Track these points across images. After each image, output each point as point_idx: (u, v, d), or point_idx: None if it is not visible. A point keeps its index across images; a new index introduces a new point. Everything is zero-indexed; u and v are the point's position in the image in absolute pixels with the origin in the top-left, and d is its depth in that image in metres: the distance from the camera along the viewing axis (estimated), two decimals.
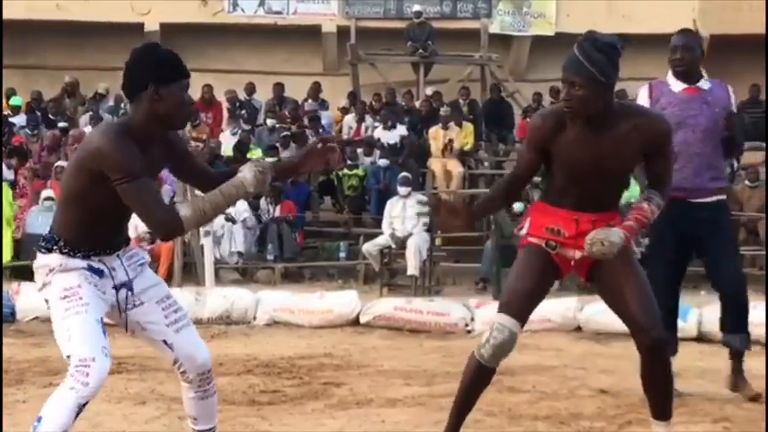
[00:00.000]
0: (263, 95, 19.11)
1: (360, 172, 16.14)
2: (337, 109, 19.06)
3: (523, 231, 4.87)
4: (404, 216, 13.77)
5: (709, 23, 20.47)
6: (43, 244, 4.21)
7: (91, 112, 17.41)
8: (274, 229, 14.57)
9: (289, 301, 10.23)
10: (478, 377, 4.80)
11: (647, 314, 4.67)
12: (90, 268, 4.19)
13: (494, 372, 4.82)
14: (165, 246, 13.44)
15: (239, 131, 17.07)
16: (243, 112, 18.44)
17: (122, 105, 18.00)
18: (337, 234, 15.63)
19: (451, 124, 17.04)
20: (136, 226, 13.72)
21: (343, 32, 20.49)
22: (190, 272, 13.31)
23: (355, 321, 9.95)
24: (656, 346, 4.69)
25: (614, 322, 8.88)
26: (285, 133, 17.03)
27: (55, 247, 4.17)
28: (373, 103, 18.88)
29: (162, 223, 4.10)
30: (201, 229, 11.79)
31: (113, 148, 4.01)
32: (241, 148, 16.28)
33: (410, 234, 13.43)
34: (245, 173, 4.22)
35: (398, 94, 19.30)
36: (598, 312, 9.28)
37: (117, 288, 4.27)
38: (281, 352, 8.35)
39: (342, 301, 10.19)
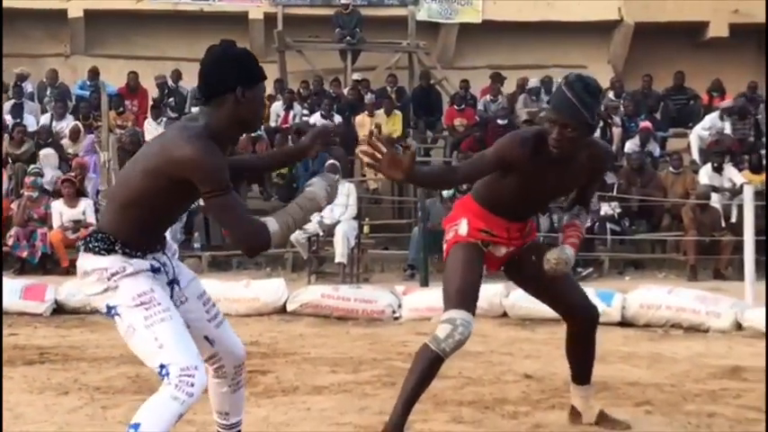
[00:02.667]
0: (191, 82, 18.95)
1: None
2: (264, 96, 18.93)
3: (462, 231, 5.00)
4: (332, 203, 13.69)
5: (634, 11, 20.74)
6: (98, 245, 4.00)
7: (14, 100, 17.14)
8: (200, 217, 14.47)
9: (214, 289, 10.06)
10: (435, 369, 4.92)
11: (582, 297, 5.22)
12: (152, 268, 4.06)
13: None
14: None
15: (164, 120, 16.91)
16: (171, 99, 18.28)
17: (47, 93, 17.81)
18: None
19: (379, 111, 17.04)
20: (61, 213, 13.62)
21: (270, 19, 20.38)
22: None
23: (282, 309, 9.91)
24: (594, 322, 5.24)
25: (540, 308, 9.03)
26: None
27: (116, 248, 3.98)
28: (301, 90, 18.82)
29: (251, 238, 3.95)
30: None
31: (207, 160, 3.84)
32: None
33: (338, 222, 13.40)
34: (317, 189, 4.17)
35: (326, 81, 19.25)
36: (524, 299, 9.32)
37: (170, 284, 4.16)
38: None
39: (268, 289, 10.14)
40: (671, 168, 15.65)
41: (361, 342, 8.41)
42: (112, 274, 3.97)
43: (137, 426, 3.88)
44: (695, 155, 16.92)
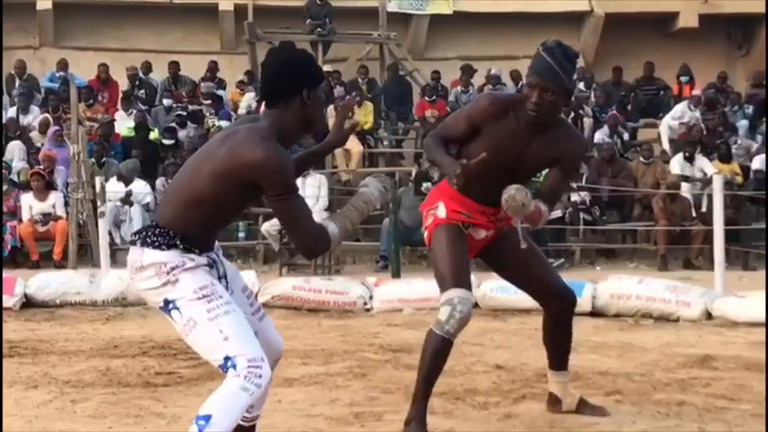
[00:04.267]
0: (161, 75, 18.88)
1: None
2: (235, 86, 18.90)
3: (440, 214, 5.03)
4: (302, 195, 13.66)
5: (604, 2, 20.79)
6: (157, 239, 3.98)
7: None
8: None
9: None
10: (445, 352, 4.96)
11: (558, 281, 5.28)
12: (207, 264, 4.06)
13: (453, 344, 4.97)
14: (59, 227, 13.26)
15: (134, 112, 16.85)
16: (141, 91, 18.20)
17: (16, 86, 17.67)
18: None
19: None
20: (30, 206, 13.54)
21: (240, 11, 20.29)
22: (86, 254, 13.13)
23: None
24: (572, 306, 5.31)
25: (511, 299, 9.07)
26: (180, 113, 16.87)
27: (177, 244, 3.97)
28: None
29: (313, 242, 4.01)
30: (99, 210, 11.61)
31: (277, 164, 3.89)
32: (142, 130, 16.13)
33: None
34: (372, 189, 4.24)
35: None
36: (495, 289, 9.37)
37: (220, 279, 4.13)
38: (177, 334, 8.21)
39: None
40: (641, 158, 15.73)
41: (333, 334, 8.41)
42: (172, 269, 3.96)
43: (207, 417, 3.87)
44: (665, 145, 17.02)
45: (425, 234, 5.16)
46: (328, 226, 4.06)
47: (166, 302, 3.98)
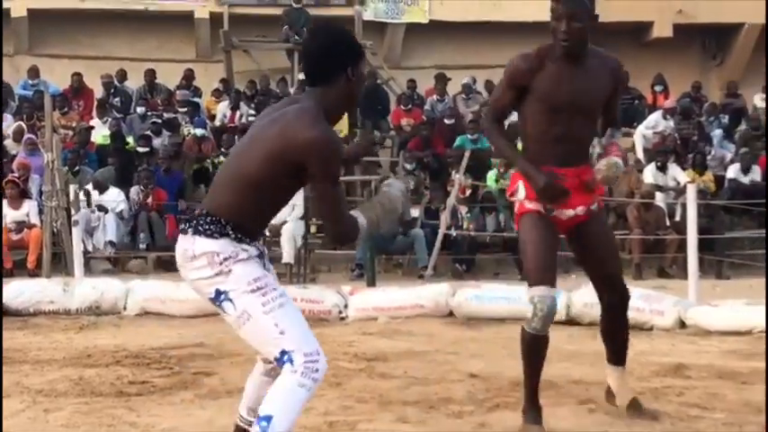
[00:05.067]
0: (136, 83, 18.84)
1: None
2: (211, 94, 18.88)
3: (520, 196, 5.17)
4: None
5: None
6: (209, 228, 3.94)
7: None
8: (145, 217, 14.37)
9: (160, 290, 10.06)
10: (541, 347, 5.12)
11: (619, 274, 5.42)
12: (258, 254, 4.02)
13: (548, 338, 5.12)
14: (33, 236, 13.19)
15: (109, 120, 16.80)
16: (116, 99, 18.15)
17: None
18: None
19: None
20: (4, 215, 13.46)
21: (216, 19, 20.28)
22: (60, 262, 13.06)
23: None
24: (624, 301, 5.40)
25: (486, 307, 9.09)
26: (155, 120, 16.84)
27: (229, 232, 3.93)
28: (246, 90, 18.76)
29: (345, 229, 4.00)
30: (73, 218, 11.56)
31: (330, 147, 3.89)
32: (117, 138, 16.09)
33: (285, 222, 13.37)
34: (395, 190, 4.28)
35: (273, 81, 19.20)
36: (470, 298, 9.39)
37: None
38: (151, 342, 8.24)
39: None
40: None
41: None
42: (225, 259, 3.91)
43: (269, 418, 3.85)
44: (640, 154, 17.08)
45: (515, 218, 5.32)
46: (358, 217, 4.06)
47: (218, 293, 3.94)
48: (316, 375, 3.89)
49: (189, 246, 3.97)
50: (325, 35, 4.11)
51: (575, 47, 4.99)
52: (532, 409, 5.16)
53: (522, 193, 5.18)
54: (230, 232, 3.94)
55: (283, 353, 3.88)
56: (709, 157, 16.46)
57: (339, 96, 4.07)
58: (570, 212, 5.18)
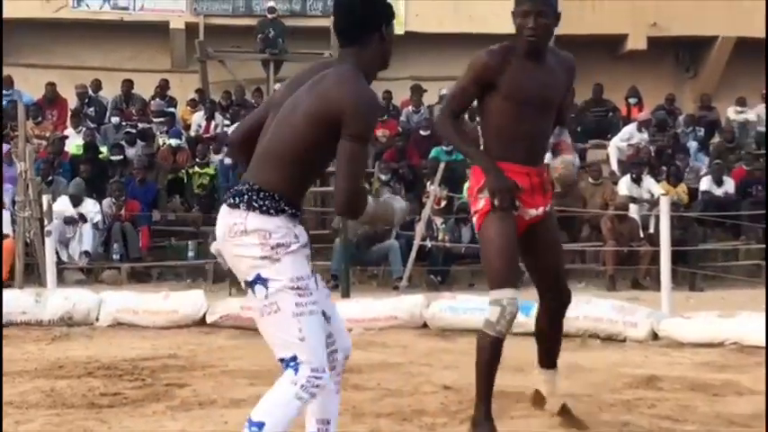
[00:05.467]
0: (110, 92, 18.78)
1: (210, 170, 16.01)
2: (186, 104, 18.84)
3: (485, 194, 5.08)
4: None
5: None
6: (264, 203, 3.84)
7: None
8: (118, 228, 14.31)
9: (133, 301, 10.03)
10: (499, 351, 5.06)
11: (564, 279, 5.41)
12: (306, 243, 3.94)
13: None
14: (6, 246, 13.12)
15: (84, 130, 16.75)
16: (90, 109, 18.10)
17: None
18: (186, 233, 15.42)
19: None
20: None
21: (191, 29, 20.26)
22: (33, 273, 12.99)
23: (202, 321, 9.79)
24: (568, 304, 5.43)
25: (459, 319, 9.09)
26: (129, 130, 16.80)
27: (285, 208, 3.85)
28: (221, 101, 18.74)
29: (356, 193, 3.86)
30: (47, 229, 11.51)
31: (369, 104, 3.85)
32: (91, 148, 16.03)
33: None
34: (397, 204, 4.20)
35: (248, 91, 19.19)
36: (444, 309, 9.38)
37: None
38: (123, 354, 8.20)
39: (187, 300, 10.02)
40: (590, 179, 15.82)
41: None
42: (278, 245, 3.83)
43: (260, 424, 3.81)
44: (614, 166, 17.15)
45: (475, 218, 5.22)
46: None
47: (258, 278, 3.86)
48: (314, 391, 3.86)
49: (240, 220, 3.87)
50: None
51: (541, 43, 5.06)
52: (488, 420, 5.09)
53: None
54: (285, 207, 3.86)
55: (293, 359, 3.84)
56: (687, 170, 16.54)
57: (373, 56, 4.06)
58: (533, 212, 5.18)
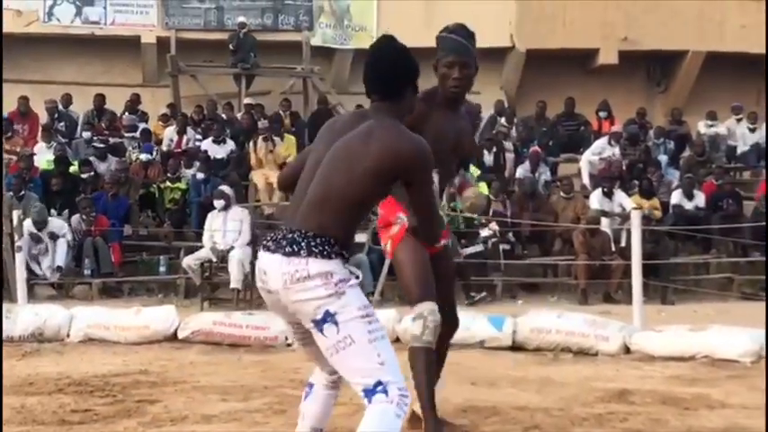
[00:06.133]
0: (82, 107, 18.70)
1: (182, 185, 15.98)
2: (157, 119, 18.79)
3: (406, 222, 5.31)
4: (224, 229, 13.66)
5: (525, 38, 21.00)
6: (323, 248, 3.93)
7: None
8: (90, 243, 14.24)
9: (104, 317, 9.97)
10: (432, 359, 5.32)
11: (454, 307, 5.73)
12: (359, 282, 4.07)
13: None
14: None
15: (55, 144, 16.68)
16: (61, 124, 18.02)
17: None
18: (158, 248, 15.36)
19: (276, 138, 17.03)
20: None
21: (163, 43, 20.21)
22: (3, 288, 12.90)
23: (173, 337, 9.75)
24: (454, 331, 5.76)
25: None
26: (98, 145, 16.74)
27: (341, 252, 3.97)
28: (193, 115, 18.71)
29: (438, 227, 4.37)
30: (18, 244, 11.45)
31: (429, 154, 4.06)
32: (62, 162, 15.95)
33: (231, 247, 13.33)
34: (479, 201, 5.02)
35: (219, 105, 19.17)
36: None
37: None
38: (94, 370, 8.15)
39: (159, 316, 9.97)
40: (562, 193, 15.87)
41: (253, 369, 8.33)
42: (340, 280, 3.93)
43: None
44: (585, 180, 17.21)
45: (389, 245, 5.40)
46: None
47: (327, 314, 3.91)
48: (406, 409, 3.97)
49: (302, 267, 3.93)
50: (393, 50, 4.29)
51: (462, 93, 5.37)
52: (440, 425, 5.30)
53: (405, 219, 5.33)
54: (342, 252, 3.98)
55: (378, 383, 3.91)
56: (659, 183, 16.61)
57: (407, 108, 4.27)
58: (441, 243, 5.43)
